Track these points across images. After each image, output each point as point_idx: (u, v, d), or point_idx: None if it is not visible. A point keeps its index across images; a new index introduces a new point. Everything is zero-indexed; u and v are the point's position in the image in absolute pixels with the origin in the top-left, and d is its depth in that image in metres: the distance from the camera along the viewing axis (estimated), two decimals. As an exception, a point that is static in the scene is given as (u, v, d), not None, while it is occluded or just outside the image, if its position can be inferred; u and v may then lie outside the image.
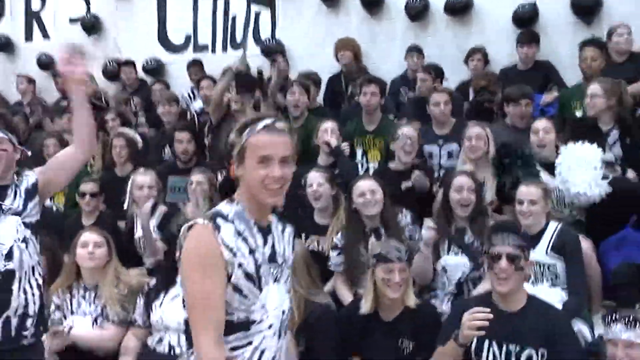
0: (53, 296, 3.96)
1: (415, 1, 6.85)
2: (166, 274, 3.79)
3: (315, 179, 4.34)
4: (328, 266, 4.13)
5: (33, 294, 2.97)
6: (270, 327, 2.06)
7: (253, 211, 2.07)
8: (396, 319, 3.42)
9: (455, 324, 2.98)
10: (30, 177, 3.04)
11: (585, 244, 3.87)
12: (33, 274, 2.99)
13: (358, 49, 6.82)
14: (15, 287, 2.89)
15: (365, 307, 3.42)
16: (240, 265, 1.99)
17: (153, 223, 4.67)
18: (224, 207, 2.09)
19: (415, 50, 6.56)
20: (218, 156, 5.47)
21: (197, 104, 6.73)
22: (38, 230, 3.07)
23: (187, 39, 7.92)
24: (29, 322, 2.94)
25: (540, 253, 3.69)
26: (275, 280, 2.11)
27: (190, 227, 2.03)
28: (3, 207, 2.92)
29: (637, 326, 2.69)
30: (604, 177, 4.12)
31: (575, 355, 3.03)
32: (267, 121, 2.04)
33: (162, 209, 4.84)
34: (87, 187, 5.02)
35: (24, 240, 2.95)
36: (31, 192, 3.01)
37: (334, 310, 3.71)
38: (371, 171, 5.18)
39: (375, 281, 3.38)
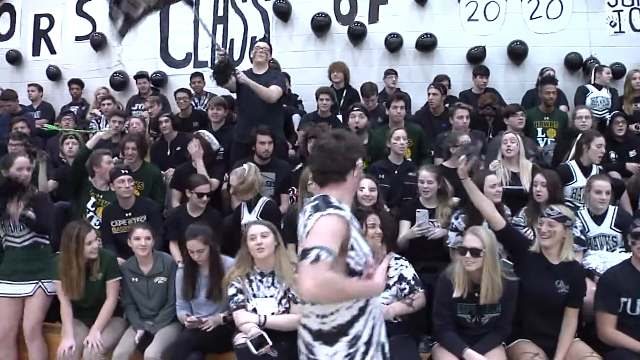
0: (233, 282, 4.26)
1: (393, 36, 8.55)
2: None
3: (426, 177, 5.11)
4: (446, 244, 4.90)
5: None
6: None
7: None
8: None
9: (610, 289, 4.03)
10: None
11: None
12: None
13: (347, 70, 8.08)
14: None
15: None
16: None
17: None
18: None
19: (392, 73, 8.15)
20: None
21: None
22: None
23: (188, 55, 8.85)
24: None
25: (605, 228, 4.92)
26: None
27: None
28: None
29: None
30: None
31: None
32: None
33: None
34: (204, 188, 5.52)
35: None
36: None
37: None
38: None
39: None
